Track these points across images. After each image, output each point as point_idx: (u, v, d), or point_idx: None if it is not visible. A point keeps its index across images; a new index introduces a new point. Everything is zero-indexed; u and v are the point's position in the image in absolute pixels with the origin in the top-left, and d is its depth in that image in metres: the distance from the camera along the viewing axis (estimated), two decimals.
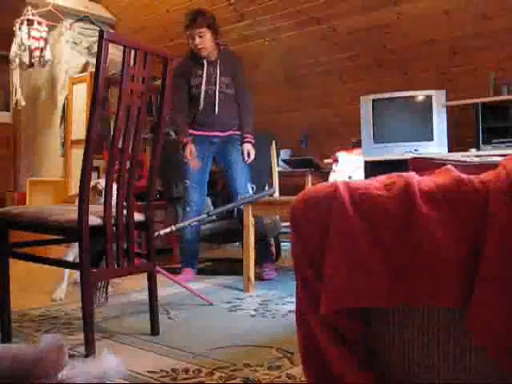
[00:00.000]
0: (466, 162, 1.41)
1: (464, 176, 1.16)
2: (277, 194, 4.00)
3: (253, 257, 3.01)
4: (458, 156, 3.57)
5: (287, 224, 4.48)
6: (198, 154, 3.41)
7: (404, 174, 1.24)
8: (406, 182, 1.18)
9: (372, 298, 1.14)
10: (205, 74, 3.39)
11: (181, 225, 3.23)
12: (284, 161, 4.95)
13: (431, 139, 4.03)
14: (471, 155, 3.51)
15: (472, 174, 1.17)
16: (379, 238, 1.16)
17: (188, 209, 3.43)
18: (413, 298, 1.11)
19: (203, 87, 3.37)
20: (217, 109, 3.38)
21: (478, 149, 3.77)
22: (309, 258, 1.24)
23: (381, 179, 1.28)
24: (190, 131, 3.45)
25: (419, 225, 1.12)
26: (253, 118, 3.54)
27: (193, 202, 3.42)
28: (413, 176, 1.22)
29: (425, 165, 1.46)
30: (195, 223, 3.28)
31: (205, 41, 3.33)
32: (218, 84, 3.38)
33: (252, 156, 3.45)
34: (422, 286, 1.09)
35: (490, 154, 3.43)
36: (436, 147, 3.99)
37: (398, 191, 1.18)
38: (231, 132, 3.48)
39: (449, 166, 1.28)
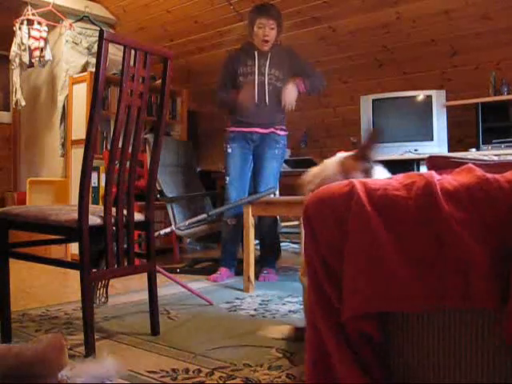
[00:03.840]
0: (486, 160, 1.35)
1: (489, 175, 1.12)
2: (277, 194, 4.00)
3: (253, 257, 3.01)
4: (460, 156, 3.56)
5: (287, 224, 4.48)
6: (237, 152, 3.45)
7: (424, 173, 1.21)
8: (427, 182, 1.14)
9: (399, 302, 1.10)
10: (256, 65, 3.42)
11: (180, 224, 3.23)
12: (284, 161, 4.95)
13: (431, 139, 4.03)
14: (480, 154, 3.50)
15: (493, 173, 1.13)
16: (402, 240, 1.12)
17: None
18: (442, 300, 1.07)
19: (256, 77, 3.40)
20: (267, 98, 3.39)
21: (478, 149, 3.77)
22: (322, 259, 1.21)
23: (400, 179, 1.23)
24: (231, 128, 3.47)
25: (443, 225, 1.08)
26: (316, 86, 3.52)
27: (232, 199, 3.41)
28: (434, 175, 1.18)
29: (443, 163, 1.41)
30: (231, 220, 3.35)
31: (272, 34, 3.38)
32: (267, 75, 3.40)
33: (287, 99, 3.35)
34: (453, 289, 1.06)
35: (490, 154, 3.43)
36: (436, 147, 3.99)
37: (418, 191, 1.14)
38: (272, 130, 3.47)
39: (470, 165, 1.23)
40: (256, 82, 3.40)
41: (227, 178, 3.46)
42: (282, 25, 3.46)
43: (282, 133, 3.54)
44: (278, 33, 3.44)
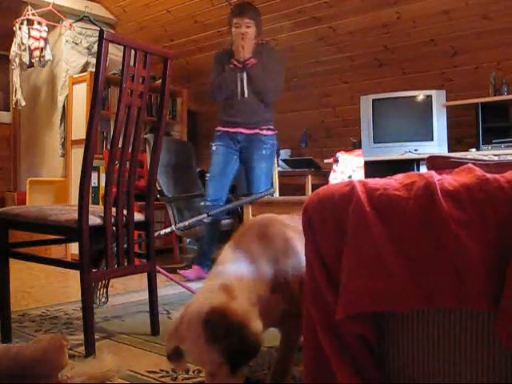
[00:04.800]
0: (485, 160, 1.34)
1: (489, 175, 1.11)
2: (277, 194, 4.00)
3: None
4: (460, 156, 3.56)
5: None
6: (221, 150, 3.45)
7: (424, 173, 1.20)
8: (427, 182, 1.13)
9: (393, 302, 1.09)
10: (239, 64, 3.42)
11: (181, 225, 3.23)
12: (284, 161, 4.95)
13: (431, 139, 4.03)
14: (480, 154, 3.50)
15: (493, 173, 1.12)
16: (400, 240, 1.11)
17: (202, 203, 3.43)
18: (436, 300, 1.07)
19: (238, 75, 3.39)
20: (249, 96, 3.38)
21: (478, 149, 3.77)
22: (322, 261, 1.20)
23: (400, 179, 1.23)
24: (218, 128, 3.49)
25: (442, 226, 1.07)
26: (264, 86, 3.42)
27: (208, 197, 3.41)
28: (434, 175, 1.17)
29: (443, 163, 1.40)
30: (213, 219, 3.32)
31: (249, 32, 3.36)
32: (246, 74, 3.40)
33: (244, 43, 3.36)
34: (446, 289, 1.05)
35: (490, 154, 3.43)
36: (436, 147, 3.99)
37: (418, 191, 1.13)
38: (257, 130, 3.45)
39: (470, 165, 1.23)
40: (238, 81, 3.39)
41: (208, 175, 3.48)
42: (259, 24, 3.43)
43: (269, 133, 3.49)
44: (257, 31, 3.41)
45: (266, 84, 3.42)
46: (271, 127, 3.53)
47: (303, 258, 1.30)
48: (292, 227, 1.51)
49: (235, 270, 1.36)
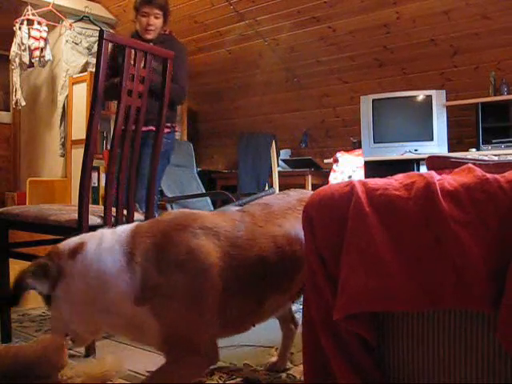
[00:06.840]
0: (485, 160, 1.34)
1: (489, 175, 1.11)
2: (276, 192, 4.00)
3: None
4: (460, 156, 3.56)
5: None
6: None
7: (424, 173, 1.20)
8: (427, 182, 1.13)
9: (392, 302, 1.09)
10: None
11: None
12: (284, 161, 4.95)
13: (431, 139, 4.03)
14: (480, 154, 3.50)
15: (493, 173, 1.12)
16: (399, 240, 1.11)
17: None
18: (437, 300, 1.07)
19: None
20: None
21: (478, 149, 3.77)
22: (321, 260, 1.20)
23: (400, 179, 1.23)
24: None
25: (442, 226, 1.07)
26: (174, 90, 2.87)
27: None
28: (434, 175, 1.17)
29: (442, 164, 1.40)
30: None
31: (157, 24, 3.19)
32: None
33: None
34: (446, 290, 1.05)
35: (490, 154, 3.43)
36: (436, 147, 4.00)
37: (418, 191, 1.13)
38: (151, 128, 2.91)
39: (470, 165, 1.23)
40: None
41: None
42: (167, 14, 3.25)
43: (165, 130, 3.20)
44: (164, 22, 3.24)
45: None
46: (169, 125, 3.20)
47: (209, 275, 1.24)
48: (213, 234, 1.31)
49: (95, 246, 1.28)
